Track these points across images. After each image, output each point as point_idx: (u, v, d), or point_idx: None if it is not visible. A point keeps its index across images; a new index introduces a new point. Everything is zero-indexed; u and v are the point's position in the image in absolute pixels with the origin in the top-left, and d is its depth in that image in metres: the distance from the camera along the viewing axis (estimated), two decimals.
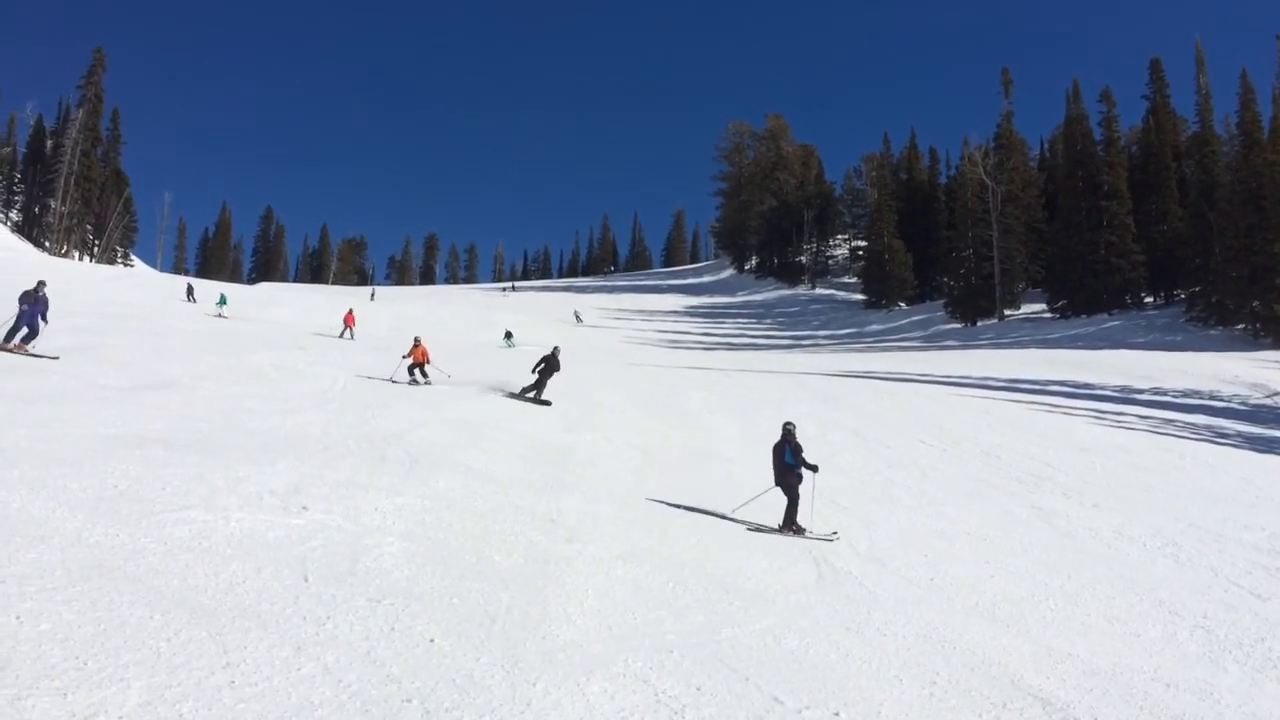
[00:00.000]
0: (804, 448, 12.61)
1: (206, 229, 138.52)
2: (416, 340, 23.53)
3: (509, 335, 45.36)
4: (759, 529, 12.05)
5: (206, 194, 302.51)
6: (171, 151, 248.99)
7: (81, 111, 79.82)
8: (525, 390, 21.32)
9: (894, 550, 11.53)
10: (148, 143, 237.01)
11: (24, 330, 17.75)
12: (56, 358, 17.46)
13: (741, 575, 9.73)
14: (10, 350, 17.37)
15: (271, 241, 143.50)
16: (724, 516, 12.53)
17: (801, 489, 12.27)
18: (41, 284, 18.55)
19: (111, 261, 77.32)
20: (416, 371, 22.64)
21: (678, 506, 12.79)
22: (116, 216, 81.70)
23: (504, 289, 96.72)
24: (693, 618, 8.09)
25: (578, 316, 68.95)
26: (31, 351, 17.64)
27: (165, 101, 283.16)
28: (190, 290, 48.29)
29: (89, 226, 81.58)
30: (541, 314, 69.79)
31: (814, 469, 12.39)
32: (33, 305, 17.89)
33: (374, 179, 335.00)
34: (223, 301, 42.64)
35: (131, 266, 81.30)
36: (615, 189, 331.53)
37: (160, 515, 8.50)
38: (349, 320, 37.73)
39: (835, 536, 11.89)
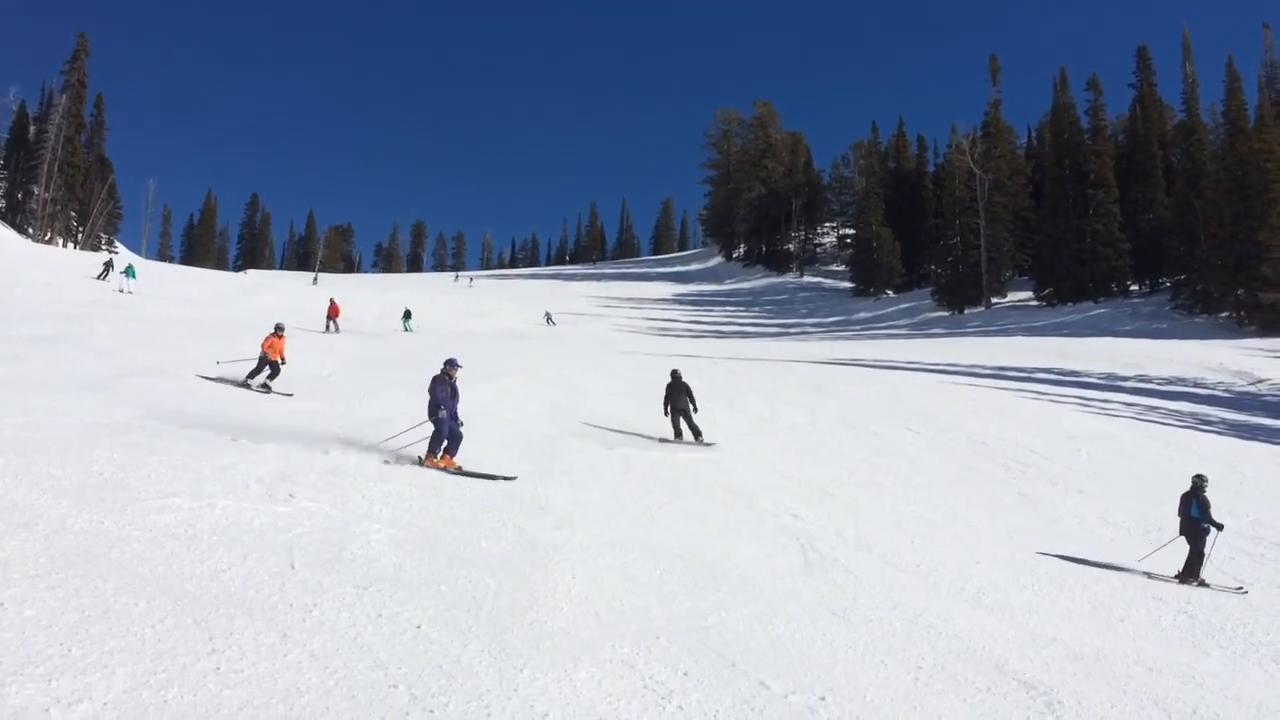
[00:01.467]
0: (1211, 503, 11.64)
1: (192, 216, 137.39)
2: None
3: (407, 315, 44.02)
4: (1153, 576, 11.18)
5: (191, 181, 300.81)
6: (156, 138, 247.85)
7: (65, 97, 79.05)
8: (678, 436, 17.25)
9: (880, 537, 11.57)
10: (132, 129, 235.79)
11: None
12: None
13: (729, 562, 9.74)
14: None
15: (257, 229, 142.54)
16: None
17: (1208, 541, 11.37)
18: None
19: (96, 249, 76.67)
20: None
21: (666, 494, 12.80)
22: (101, 203, 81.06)
23: (456, 278, 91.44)
24: (680, 604, 8.10)
25: (549, 319, 58.99)
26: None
27: (149, 87, 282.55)
28: (109, 266, 44.88)
29: (73, 213, 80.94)
30: (527, 302, 69.60)
31: (1219, 527, 11.41)
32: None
33: (361, 167, 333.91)
34: (130, 273, 40.42)
35: (116, 254, 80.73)
36: (603, 176, 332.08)
37: (145, 502, 8.46)
38: (333, 311, 35.73)
39: (1242, 591, 10.69)
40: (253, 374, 17.32)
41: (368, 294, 62.30)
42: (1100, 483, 15.57)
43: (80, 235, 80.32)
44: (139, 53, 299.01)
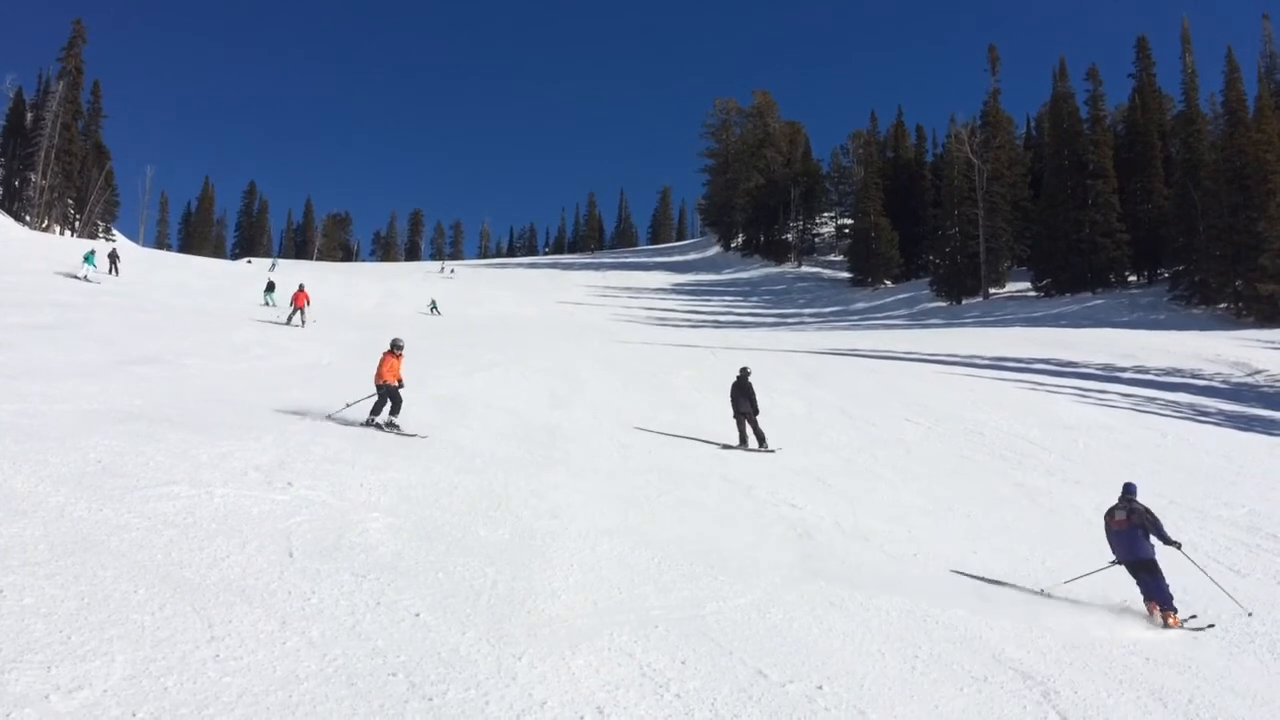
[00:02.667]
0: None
1: (189, 204, 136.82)
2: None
3: (434, 305, 48.78)
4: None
5: (189, 169, 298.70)
6: (153, 126, 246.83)
7: (61, 84, 78.67)
8: (742, 442, 15.86)
9: (878, 526, 11.59)
10: (129, 117, 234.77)
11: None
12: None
13: (726, 551, 9.76)
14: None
15: (255, 217, 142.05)
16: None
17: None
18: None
19: (93, 236, 76.43)
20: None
21: (664, 483, 12.81)
22: (98, 191, 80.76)
23: (442, 269, 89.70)
24: (677, 593, 8.13)
25: (433, 307, 48.48)
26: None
27: (146, 75, 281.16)
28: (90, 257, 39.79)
29: (70, 201, 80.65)
30: (524, 290, 69.57)
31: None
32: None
33: (359, 155, 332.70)
34: (89, 260, 38.52)
35: (114, 242, 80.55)
36: (602, 166, 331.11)
37: (144, 490, 8.48)
38: (299, 300, 30.59)
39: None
40: (374, 411, 13.91)
41: (366, 283, 62.21)
42: (1097, 473, 15.58)
43: (78, 223, 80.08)
44: (136, 39, 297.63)
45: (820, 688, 6.35)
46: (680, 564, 9.01)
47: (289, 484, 9.58)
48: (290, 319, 29.96)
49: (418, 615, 6.55)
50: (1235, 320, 45.33)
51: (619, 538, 9.66)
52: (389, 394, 13.88)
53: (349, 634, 6.01)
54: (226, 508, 8.36)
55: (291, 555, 7.37)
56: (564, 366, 24.53)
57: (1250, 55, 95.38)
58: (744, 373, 16.56)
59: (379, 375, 13.90)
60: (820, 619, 7.92)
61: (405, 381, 14.29)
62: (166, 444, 10.41)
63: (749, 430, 16.01)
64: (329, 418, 13.59)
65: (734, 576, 8.85)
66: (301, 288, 31.83)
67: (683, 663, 6.40)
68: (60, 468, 8.78)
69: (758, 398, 16.38)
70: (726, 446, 15.76)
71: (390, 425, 13.69)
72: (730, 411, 16.33)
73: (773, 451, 15.66)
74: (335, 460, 11.00)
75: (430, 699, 5.24)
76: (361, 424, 13.58)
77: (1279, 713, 6.90)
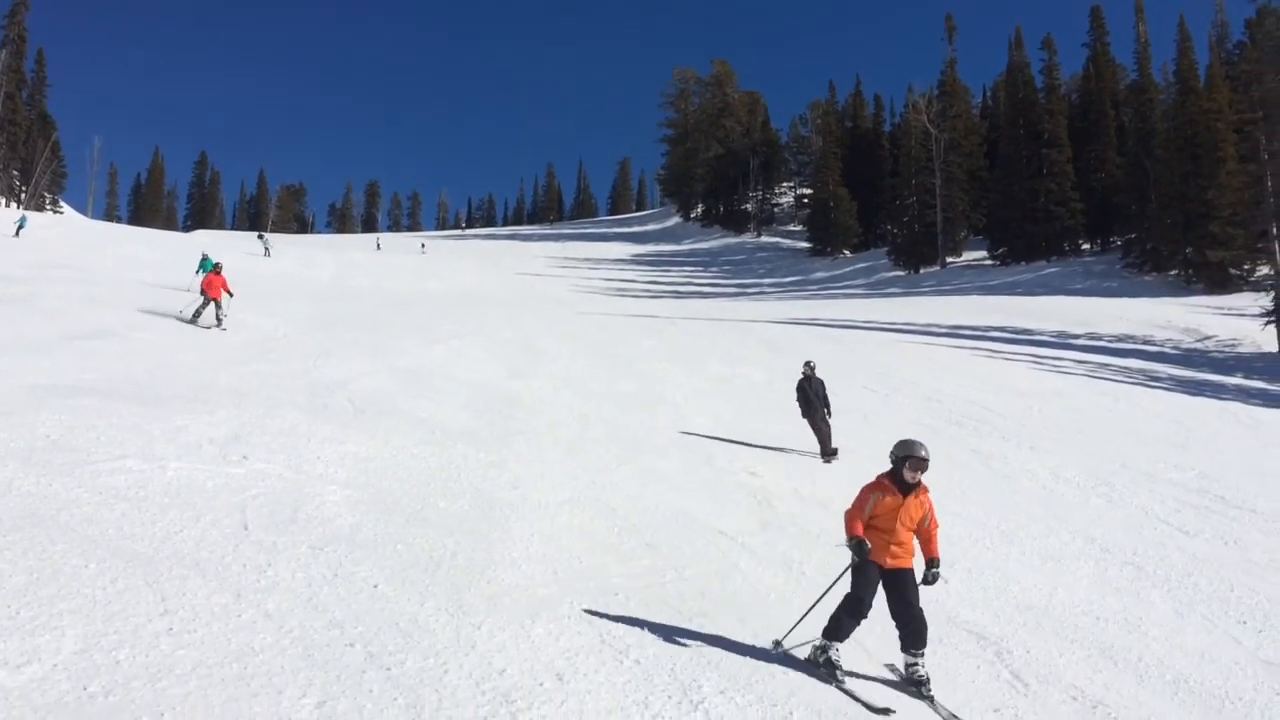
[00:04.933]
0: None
1: (139, 175, 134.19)
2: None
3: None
4: None
5: (138, 139, 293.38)
6: (100, 95, 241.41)
7: (4, 53, 76.52)
8: (826, 453, 13.85)
9: (837, 493, 11.63)
10: (75, 86, 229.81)
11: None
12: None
13: (686, 519, 9.81)
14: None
15: (207, 188, 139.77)
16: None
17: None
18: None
19: (40, 208, 74.76)
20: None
21: (624, 453, 12.83)
22: (44, 162, 78.84)
23: (420, 246, 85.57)
24: (638, 561, 8.16)
25: (266, 248, 54.43)
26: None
27: (92, 42, 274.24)
28: (22, 224, 43.50)
29: (15, 173, 78.79)
30: (491, 263, 69.04)
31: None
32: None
33: (312, 126, 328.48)
34: (22, 224, 42.89)
35: (61, 213, 78.80)
36: (561, 137, 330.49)
37: (95, 465, 8.33)
38: (209, 287, 20.69)
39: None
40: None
41: (322, 254, 61.35)
42: (1051, 438, 15.82)
43: (24, 195, 78.21)
44: (80, 5, 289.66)
45: (779, 647, 6.43)
46: (641, 533, 9.04)
47: (244, 457, 9.47)
48: (197, 315, 20.30)
49: (376, 587, 6.51)
50: (1186, 287, 46.05)
51: (579, 508, 9.67)
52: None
53: (306, 606, 5.96)
54: (180, 482, 8.25)
55: (247, 528, 7.29)
56: (523, 338, 24.42)
57: (1202, 25, 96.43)
58: (809, 369, 14.65)
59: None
60: (779, 585, 7.99)
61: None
62: (118, 418, 10.23)
63: (823, 433, 14.03)
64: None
65: (694, 545, 8.90)
66: (218, 269, 22.14)
67: (643, 630, 6.43)
68: (7, 443, 8.60)
69: (827, 406, 14.32)
70: (826, 460, 13.72)
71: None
72: (799, 412, 14.34)
73: (833, 453, 13.79)
74: (292, 433, 10.88)
75: (388, 669, 5.22)
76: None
77: (1225, 669, 7.06)
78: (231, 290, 21.35)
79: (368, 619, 5.90)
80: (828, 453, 13.81)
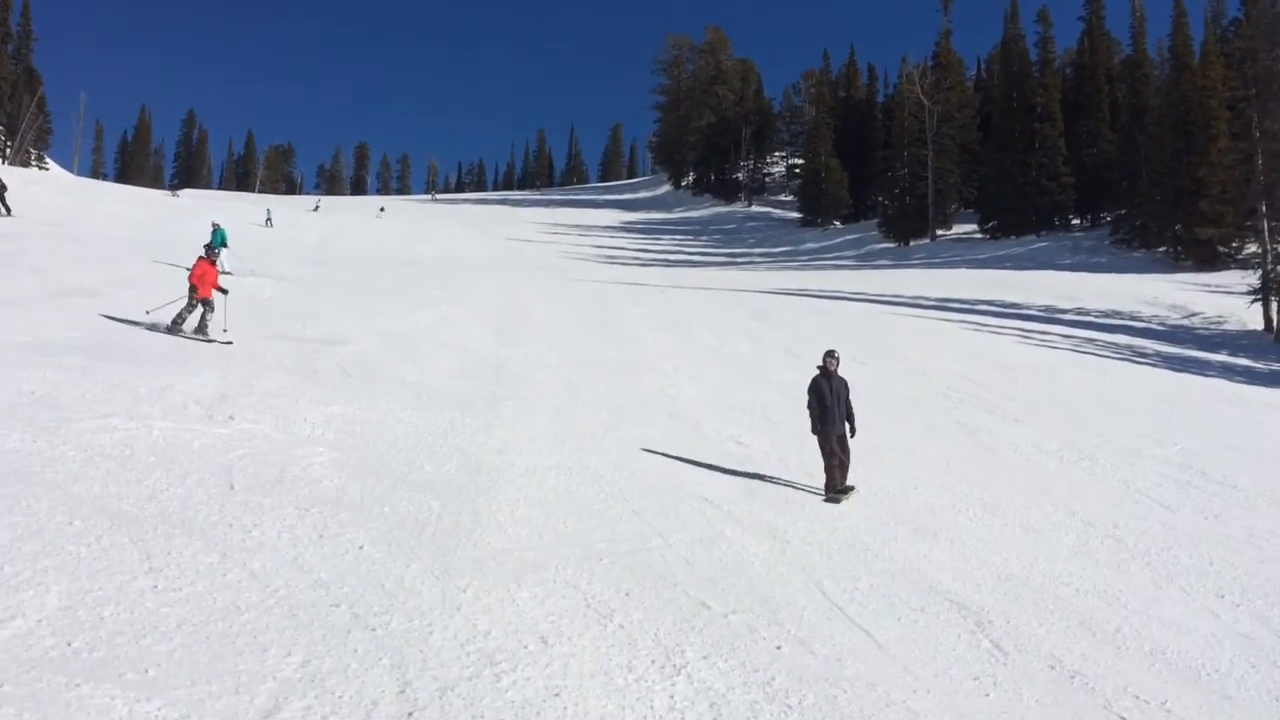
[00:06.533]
0: None
1: (125, 133, 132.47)
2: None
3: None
4: None
5: (125, 96, 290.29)
6: (87, 51, 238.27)
7: None
8: (839, 487, 10.28)
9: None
10: (61, 40, 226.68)
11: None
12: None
13: (672, 486, 9.84)
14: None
15: (194, 147, 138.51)
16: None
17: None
18: None
19: (25, 165, 73.95)
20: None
21: (611, 420, 12.84)
22: (30, 118, 77.87)
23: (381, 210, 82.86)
24: (623, 526, 8.19)
25: (269, 219, 49.36)
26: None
27: None
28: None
29: (0, 128, 77.94)
30: (473, 227, 68.72)
31: None
32: None
33: (302, 86, 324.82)
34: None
35: (47, 170, 77.98)
36: (553, 103, 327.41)
37: (80, 423, 8.31)
38: (200, 280, 14.73)
39: None
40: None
41: (307, 218, 60.81)
42: (1036, 412, 15.91)
43: (9, 151, 77.35)
44: None
45: (761, 617, 6.47)
46: (627, 499, 9.07)
47: (230, 418, 9.46)
48: (179, 323, 14.57)
49: (361, 548, 6.53)
50: (1174, 264, 46.13)
51: (565, 473, 9.69)
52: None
53: (291, 566, 5.97)
54: (166, 441, 8.23)
55: (233, 488, 7.29)
56: (512, 303, 24.36)
57: (1198, 0, 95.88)
58: (833, 361, 10.93)
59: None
60: (763, 553, 8.04)
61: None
62: (103, 376, 10.19)
63: (838, 460, 10.41)
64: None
65: (680, 511, 8.94)
66: (208, 256, 15.86)
67: (627, 594, 6.47)
68: None
69: (850, 420, 10.96)
70: (825, 498, 10.25)
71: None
72: (810, 427, 10.74)
73: (849, 491, 10.34)
74: (279, 395, 10.86)
75: (373, 629, 5.24)
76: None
77: (1202, 641, 7.15)
78: (225, 288, 15.35)
79: (353, 580, 5.92)
80: (838, 489, 10.24)
